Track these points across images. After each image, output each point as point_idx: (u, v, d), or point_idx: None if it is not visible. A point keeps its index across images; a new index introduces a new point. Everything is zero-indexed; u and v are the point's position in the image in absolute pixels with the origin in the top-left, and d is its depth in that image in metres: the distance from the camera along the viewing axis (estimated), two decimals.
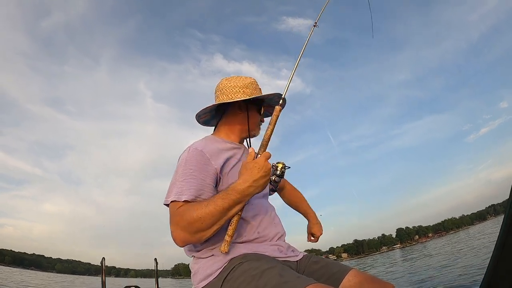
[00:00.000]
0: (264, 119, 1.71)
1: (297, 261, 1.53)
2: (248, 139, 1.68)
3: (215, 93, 1.64)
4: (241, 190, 1.23)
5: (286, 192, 2.01)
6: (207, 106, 1.58)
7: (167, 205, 1.33)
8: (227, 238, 1.29)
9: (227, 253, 1.32)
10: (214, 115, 1.70)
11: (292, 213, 2.05)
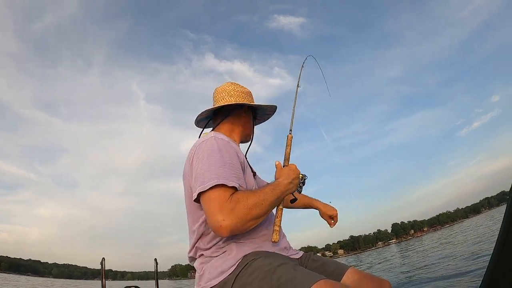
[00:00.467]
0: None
1: (298, 258, 1.56)
2: (250, 145, 1.76)
3: (220, 94, 1.69)
4: (285, 184, 1.41)
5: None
6: (215, 106, 1.65)
7: (201, 193, 1.29)
8: (276, 228, 1.43)
9: (238, 250, 1.36)
10: (211, 117, 1.74)
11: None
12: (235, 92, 1.68)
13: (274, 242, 1.42)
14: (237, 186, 1.29)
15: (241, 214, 1.23)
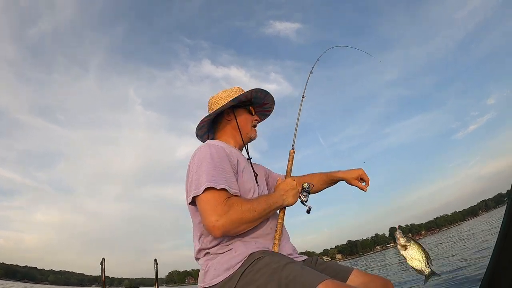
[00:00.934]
0: (259, 119, 1.84)
1: (303, 261, 1.57)
2: (246, 146, 1.77)
3: (211, 106, 1.76)
4: (277, 196, 1.53)
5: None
6: (200, 121, 1.72)
7: (194, 199, 1.39)
8: (275, 241, 1.49)
9: (245, 248, 1.39)
10: (210, 130, 1.83)
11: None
12: (214, 104, 1.73)
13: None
14: (226, 188, 1.36)
15: (235, 218, 1.31)
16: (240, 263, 1.34)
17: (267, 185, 1.81)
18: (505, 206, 1.67)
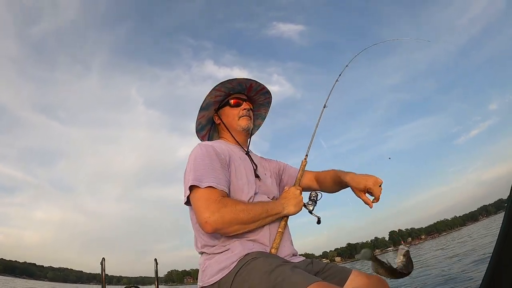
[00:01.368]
0: (248, 106, 1.78)
1: (299, 262, 1.55)
2: (249, 139, 1.81)
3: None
4: (278, 203, 1.52)
5: (321, 183, 1.84)
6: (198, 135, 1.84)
7: (189, 198, 1.44)
8: (272, 250, 1.45)
9: (242, 248, 1.39)
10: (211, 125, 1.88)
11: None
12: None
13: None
14: (213, 186, 1.38)
15: (227, 216, 1.32)
16: (235, 263, 1.34)
17: (280, 180, 1.82)
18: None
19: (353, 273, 1.50)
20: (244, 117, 1.73)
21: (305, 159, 1.79)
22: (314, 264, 1.57)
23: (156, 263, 4.11)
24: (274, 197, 1.67)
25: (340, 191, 1.78)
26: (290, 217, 1.58)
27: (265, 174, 1.72)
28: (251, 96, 1.83)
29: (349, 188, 1.63)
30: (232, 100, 1.74)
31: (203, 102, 1.71)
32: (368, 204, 1.55)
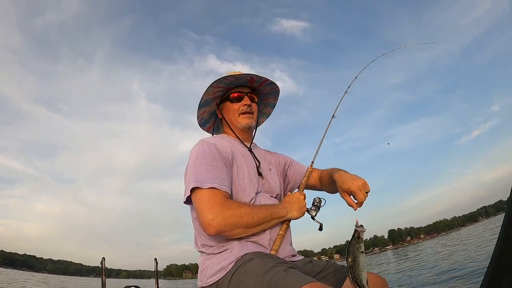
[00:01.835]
0: (248, 102, 1.67)
1: (299, 261, 1.55)
2: (253, 135, 1.76)
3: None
4: (281, 207, 1.51)
5: (322, 183, 1.80)
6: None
7: (189, 198, 1.41)
8: (272, 252, 1.44)
9: (240, 249, 1.38)
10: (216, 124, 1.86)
11: None
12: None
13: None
14: (216, 187, 1.35)
15: (231, 219, 1.31)
16: (233, 264, 1.34)
17: (286, 176, 1.80)
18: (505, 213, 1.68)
19: None
20: (244, 114, 1.65)
21: (311, 165, 1.79)
22: (313, 263, 1.55)
23: (156, 263, 4.12)
24: (277, 194, 1.66)
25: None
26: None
27: (270, 169, 1.69)
28: (255, 87, 1.73)
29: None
30: (232, 94, 1.66)
31: (201, 99, 1.67)
32: (352, 206, 1.46)
